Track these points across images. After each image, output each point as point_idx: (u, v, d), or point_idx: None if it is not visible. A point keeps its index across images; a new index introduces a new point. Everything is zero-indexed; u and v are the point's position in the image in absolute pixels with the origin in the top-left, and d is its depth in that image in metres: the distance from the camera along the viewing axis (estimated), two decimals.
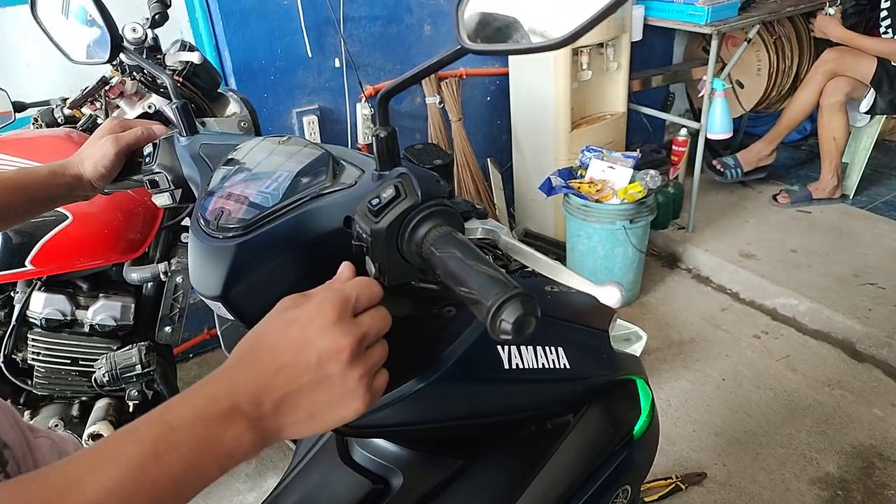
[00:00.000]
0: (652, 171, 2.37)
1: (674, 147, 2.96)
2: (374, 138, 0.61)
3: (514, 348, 0.71)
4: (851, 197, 2.99)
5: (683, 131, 2.90)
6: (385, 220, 0.54)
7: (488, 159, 2.80)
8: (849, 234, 2.75)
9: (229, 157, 0.74)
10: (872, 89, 2.70)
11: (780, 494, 1.76)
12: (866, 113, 2.77)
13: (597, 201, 2.34)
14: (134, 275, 1.40)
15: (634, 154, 2.43)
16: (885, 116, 2.84)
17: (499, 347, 0.69)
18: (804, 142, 3.45)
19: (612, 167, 2.39)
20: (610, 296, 0.49)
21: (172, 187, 0.86)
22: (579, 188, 2.38)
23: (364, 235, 0.55)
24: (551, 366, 0.74)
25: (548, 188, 2.42)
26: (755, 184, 3.15)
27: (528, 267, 1.01)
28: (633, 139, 3.16)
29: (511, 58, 2.61)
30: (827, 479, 1.79)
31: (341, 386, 0.46)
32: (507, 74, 2.66)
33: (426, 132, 2.56)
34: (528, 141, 2.72)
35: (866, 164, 2.94)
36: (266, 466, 1.93)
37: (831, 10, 2.68)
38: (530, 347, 0.73)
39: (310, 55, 2.19)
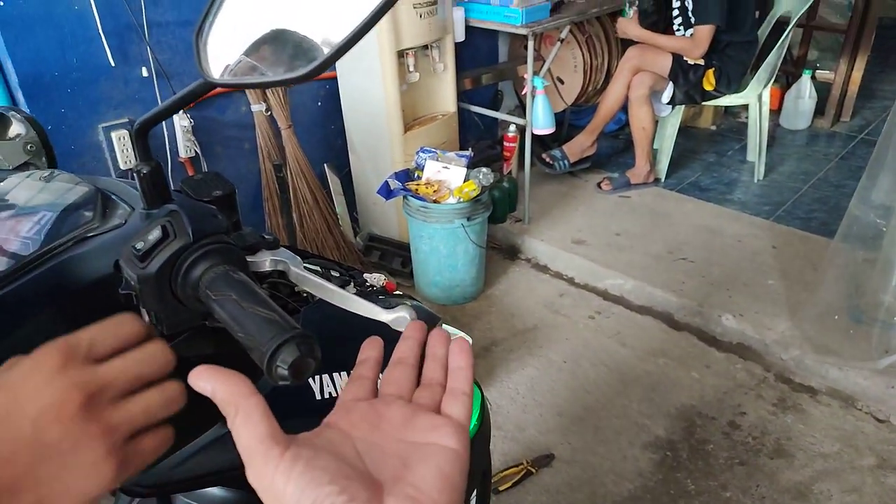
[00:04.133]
0: (484, 169, 2.45)
1: (505, 143, 3.08)
2: (135, 175, 0.56)
3: (325, 377, 0.69)
4: (663, 180, 3.29)
5: (512, 127, 3.03)
6: (153, 265, 0.49)
7: (325, 165, 2.75)
8: (662, 214, 3.03)
9: None
10: (671, 82, 2.99)
11: (618, 463, 1.90)
12: (668, 104, 3.06)
13: (434, 202, 2.37)
14: None
15: (467, 153, 2.50)
16: (683, 106, 3.15)
17: (309, 379, 0.67)
18: (621, 131, 3.74)
19: (446, 167, 2.44)
20: (399, 322, 0.48)
21: None
22: (417, 190, 2.40)
23: (132, 283, 0.50)
24: None
25: (386, 192, 2.42)
26: (582, 173, 3.37)
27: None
28: (467, 137, 3.26)
29: (338, 62, 2.57)
30: (657, 443, 1.96)
31: (71, 453, 0.35)
32: (335, 78, 2.61)
33: (254, 141, 2.45)
34: (363, 145, 2.70)
35: (673, 149, 3.25)
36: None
37: (629, 12, 2.92)
38: (343, 373, 0.71)
39: (112, 64, 2.00)
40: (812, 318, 2.22)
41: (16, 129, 1.54)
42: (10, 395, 0.36)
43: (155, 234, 0.50)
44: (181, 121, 2.16)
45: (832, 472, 1.86)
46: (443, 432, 0.38)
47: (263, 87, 0.58)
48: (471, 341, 1.01)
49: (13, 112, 1.56)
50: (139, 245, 0.50)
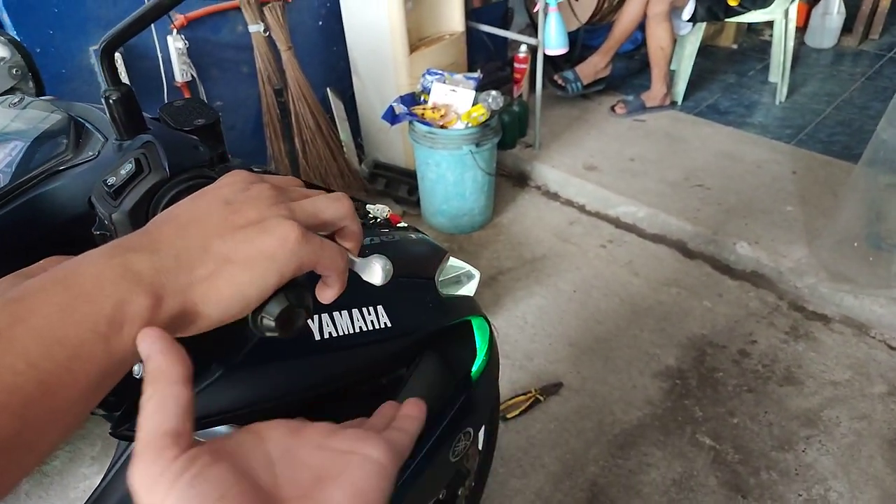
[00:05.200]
0: (494, 92, 2.34)
1: (515, 64, 2.95)
2: (104, 101, 0.50)
3: (325, 316, 0.66)
4: (680, 103, 3.16)
5: (523, 48, 2.89)
6: (126, 203, 0.44)
7: (328, 89, 2.64)
8: (678, 139, 2.92)
9: None
10: None
11: (628, 392, 1.89)
12: (688, 21, 2.90)
13: (441, 127, 2.28)
14: None
15: (475, 75, 2.38)
16: (705, 23, 2.98)
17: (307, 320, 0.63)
18: (637, 52, 3.58)
19: (454, 90, 2.33)
20: (372, 274, 0.42)
21: None
22: (423, 114, 2.31)
23: (105, 222, 0.46)
24: (371, 327, 0.69)
25: (391, 117, 2.33)
26: (595, 96, 3.25)
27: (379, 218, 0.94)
28: (476, 58, 3.11)
29: None
30: (667, 372, 1.95)
31: (260, 213, 0.36)
32: None
33: (253, 64, 2.34)
34: (367, 67, 2.58)
35: (691, 70, 3.10)
36: (114, 447, 1.79)
37: None
38: (345, 312, 0.67)
39: None
40: (830, 245, 2.16)
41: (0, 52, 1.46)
42: (208, 192, 0.38)
43: (127, 168, 0.45)
44: (175, 42, 2.06)
45: (842, 399, 1.86)
46: (369, 443, 0.34)
47: None
48: (478, 274, 0.97)
49: None
50: (111, 180, 0.45)
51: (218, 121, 0.55)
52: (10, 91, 1.40)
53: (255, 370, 0.61)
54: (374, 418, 0.41)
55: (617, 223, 2.58)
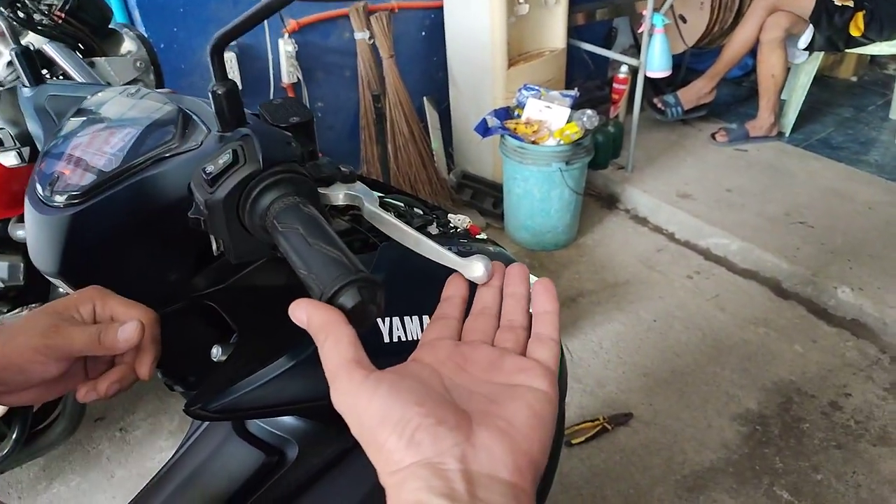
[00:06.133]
0: (589, 111, 2.31)
1: (614, 84, 2.89)
2: (211, 95, 0.54)
3: (395, 320, 0.67)
4: (788, 134, 3.00)
5: (624, 68, 2.83)
6: (221, 191, 0.47)
7: (424, 98, 2.70)
8: (783, 172, 2.78)
9: (74, 112, 0.66)
10: (811, 25, 2.67)
11: (701, 431, 1.81)
12: (805, 49, 2.75)
13: (533, 142, 2.28)
14: (20, 232, 1.29)
15: (572, 93, 2.36)
16: (823, 53, 2.82)
17: (378, 320, 0.65)
18: (746, 78, 3.43)
19: (549, 107, 2.32)
20: (474, 270, 0.44)
21: (18, 145, 0.77)
22: (515, 129, 2.31)
23: (200, 207, 0.49)
24: None
25: (483, 129, 2.34)
26: (695, 122, 3.14)
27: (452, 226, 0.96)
28: (574, 75, 3.09)
29: None
30: (747, 415, 1.85)
31: None
32: (441, 8, 2.52)
33: (355, 69, 2.43)
34: (464, 79, 2.62)
35: (804, 101, 2.94)
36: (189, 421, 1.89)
37: None
38: (415, 317, 0.68)
39: None
40: None
41: (128, 45, 1.58)
42: None
43: (225, 158, 0.48)
44: (285, 46, 2.16)
45: None
46: (531, 374, 0.37)
47: None
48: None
49: (126, 29, 1.60)
50: (209, 168, 0.48)
51: (311, 120, 0.57)
52: (133, 82, 1.52)
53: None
54: (509, 322, 0.42)
55: (707, 254, 2.48)
